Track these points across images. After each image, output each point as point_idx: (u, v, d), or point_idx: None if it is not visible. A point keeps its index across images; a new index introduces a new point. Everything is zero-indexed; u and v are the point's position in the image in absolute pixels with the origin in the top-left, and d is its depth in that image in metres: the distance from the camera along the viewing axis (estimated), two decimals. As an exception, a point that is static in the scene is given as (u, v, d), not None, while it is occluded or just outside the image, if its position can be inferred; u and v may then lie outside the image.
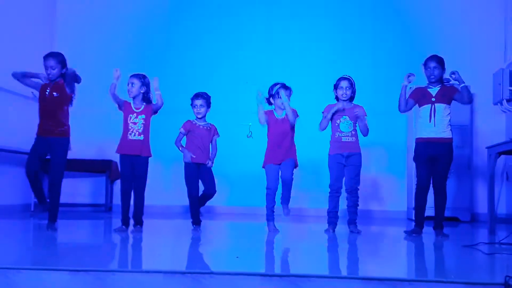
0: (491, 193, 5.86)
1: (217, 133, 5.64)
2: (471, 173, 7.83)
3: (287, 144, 5.48)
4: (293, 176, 5.51)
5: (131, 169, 5.30)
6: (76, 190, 8.44)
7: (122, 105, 5.35)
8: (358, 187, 5.56)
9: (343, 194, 5.57)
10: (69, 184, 8.55)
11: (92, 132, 8.23)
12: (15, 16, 7.76)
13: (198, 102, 5.52)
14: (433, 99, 5.34)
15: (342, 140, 5.51)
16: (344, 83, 5.52)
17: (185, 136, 5.57)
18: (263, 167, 5.54)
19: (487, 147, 5.97)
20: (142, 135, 5.29)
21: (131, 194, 5.34)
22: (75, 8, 8.88)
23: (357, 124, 5.56)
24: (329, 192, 5.56)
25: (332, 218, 5.56)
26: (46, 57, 5.14)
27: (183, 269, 3.05)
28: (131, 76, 5.38)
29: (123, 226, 5.29)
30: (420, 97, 5.44)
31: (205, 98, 5.54)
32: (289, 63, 8.54)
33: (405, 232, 5.48)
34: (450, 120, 5.37)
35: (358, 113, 5.47)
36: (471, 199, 7.82)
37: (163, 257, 3.86)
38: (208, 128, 5.58)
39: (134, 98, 5.36)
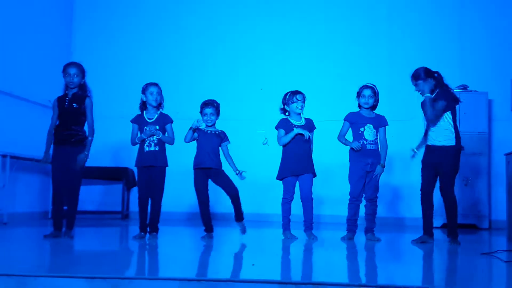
0: (510, 200, 5.79)
1: (227, 140, 5.58)
2: (490, 180, 7.76)
3: (305, 153, 5.47)
4: (312, 196, 5.48)
5: (147, 179, 5.34)
6: (92, 197, 8.49)
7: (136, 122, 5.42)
8: (377, 195, 5.53)
9: (362, 202, 5.55)
10: (85, 192, 8.62)
11: (108, 140, 8.27)
12: (32, 28, 7.85)
13: (209, 110, 5.48)
14: None
15: (367, 148, 5.43)
16: (367, 92, 5.45)
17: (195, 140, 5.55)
18: (280, 179, 5.51)
19: (506, 154, 5.91)
20: (157, 146, 5.32)
21: (148, 202, 5.37)
22: (92, 19, 8.98)
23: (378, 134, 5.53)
24: (349, 199, 5.50)
25: (351, 226, 5.53)
26: (68, 65, 5.24)
27: (199, 277, 3.05)
28: (153, 85, 5.37)
29: (142, 233, 5.35)
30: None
31: (215, 106, 5.52)
32: (303, 69, 8.55)
33: (412, 241, 5.40)
34: (450, 127, 5.25)
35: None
36: (489, 206, 7.74)
37: (179, 264, 3.87)
38: (217, 133, 5.56)
39: (149, 107, 5.38)
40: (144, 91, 5.37)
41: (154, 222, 5.38)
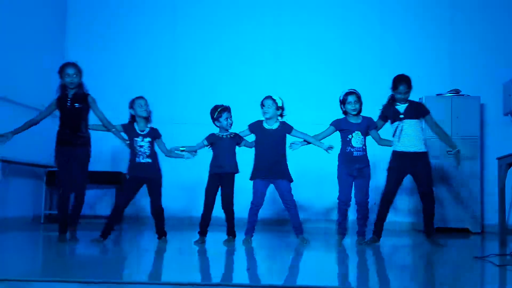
0: (502, 204, 5.82)
1: (243, 139, 5.62)
2: (482, 184, 7.79)
3: (278, 158, 5.45)
4: (294, 199, 5.46)
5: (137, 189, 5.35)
6: (87, 201, 8.42)
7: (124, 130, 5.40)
8: (368, 200, 5.55)
9: (353, 206, 5.57)
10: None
11: (103, 144, 8.23)
12: (25, 32, 7.83)
13: (228, 115, 5.52)
14: (401, 116, 5.45)
15: (354, 154, 5.48)
16: (352, 97, 5.49)
17: (206, 146, 5.57)
18: (251, 179, 5.49)
19: (498, 158, 5.93)
20: (150, 158, 5.31)
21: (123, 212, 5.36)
22: (85, 22, 8.95)
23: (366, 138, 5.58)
24: (338, 204, 5.55)
25: (342, 229, 5.56)
26: (67, 65, 5.25)
27: (193, 281, 3.05)
28: (143, 98, 5.37)
29: (101, 238, 5.24)
30: (389, 114, 5.56)
31: (230, 110, 5.57)
32: (295, 73, 8.55)
33: (362, 243, 5.46)
34: (423, 135, 5.49)
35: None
36: (481, 210, 7.76)
37: (173, 269, 3.86)
38: (232, 136, 5.57)
39: (139, 120, 5.36)
40: (131, 104, 5.37)
41: (162, 228, 5.40)
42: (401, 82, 5.46)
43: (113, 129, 5.33)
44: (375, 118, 5.67)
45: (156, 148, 5.45)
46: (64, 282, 2.99)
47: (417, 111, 5.49)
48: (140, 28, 8.91)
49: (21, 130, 5.33)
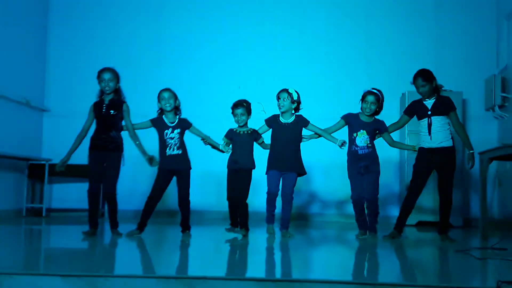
0: (484, 198, 5.88)
1: (260, 136, 5.64)
2: (464, 179, 7.85)
3: (291, 151, 5.49)
4: (293, 195, 5.51)
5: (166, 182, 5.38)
6: (74, 195, 8.35)
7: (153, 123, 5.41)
8: (378, 196, 5.54)
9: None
10: (68, 189, 8.52)
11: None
12: (6, 24, 7.75)
13: (239, 111, 5.52)
14: (429, 112, 5.45)
15: (358, 153, 5.47)
16: (370, 98, 5.44)
17: (228, 143, 5.61)
18: (266, 172, 5.55)
19: (479, 153, 5.99)
20: (180, 149, 5.33)
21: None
22: (67, 15, 8.87)
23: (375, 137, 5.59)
24: (352, 202, 5.57)
25: (361, 225, 5.59)
26: (103, 70, 5.24)
27: (177, 274, 3.05)
28: (168, 90, 5.35)
29: (137, 230, 5.33)
30: (417, 110, 5.56)
31: (245, 106, 5.54)
32: (280, 67, 8.55)
33: (384, 236, 5.52)
34: (449, 129, 5.49)
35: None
36: (463, 204, 7.83)
37: (156, 262, 3.85)
38: (249, 132, 5.59)
39: (166, 112, 5.37)
40: (158, 98, 5.36)
41: (187, 221, 5.42)
42: (417, 76, 5.46)
43: (137, 142, 5.32)
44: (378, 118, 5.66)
45: (187, 139, 5.44)
46: (46, 275, 2.97)
47: (444, 107, 5.47)
48: (125, 23, 8.82)
49: (74, 149, 5.33)
